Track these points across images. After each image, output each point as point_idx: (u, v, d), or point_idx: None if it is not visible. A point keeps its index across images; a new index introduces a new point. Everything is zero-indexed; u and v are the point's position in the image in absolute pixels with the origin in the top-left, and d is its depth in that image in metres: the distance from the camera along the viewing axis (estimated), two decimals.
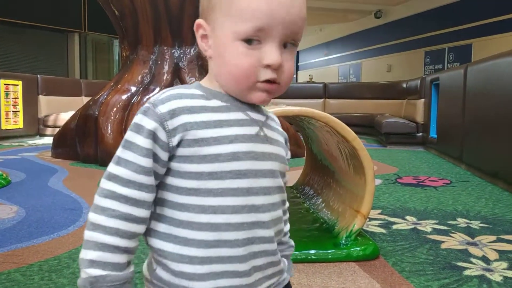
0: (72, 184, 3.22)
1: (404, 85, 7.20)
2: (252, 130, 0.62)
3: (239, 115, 0.62)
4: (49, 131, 6.78)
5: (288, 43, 0.60)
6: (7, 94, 6.11)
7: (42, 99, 6.82)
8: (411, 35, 11.03)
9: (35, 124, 6.78)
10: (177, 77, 4.24)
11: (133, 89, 4.18)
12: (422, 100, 5.99)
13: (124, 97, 4.13)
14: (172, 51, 4.27)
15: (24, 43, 9.38)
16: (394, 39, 11.78)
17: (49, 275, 1.60)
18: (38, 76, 6.88)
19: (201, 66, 4.26)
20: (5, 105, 6.08)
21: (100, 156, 4.06)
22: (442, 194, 3.02)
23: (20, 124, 6.41)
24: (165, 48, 4.27)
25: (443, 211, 2.56)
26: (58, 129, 6.38)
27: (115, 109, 4.08)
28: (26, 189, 3.05)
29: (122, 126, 4.06)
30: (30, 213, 2.44)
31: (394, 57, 11.82)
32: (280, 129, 0.69)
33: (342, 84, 9.80)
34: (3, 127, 6.08)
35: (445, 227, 2.22)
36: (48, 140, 6.36)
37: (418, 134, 5.97)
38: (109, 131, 4.03)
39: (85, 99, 7.58)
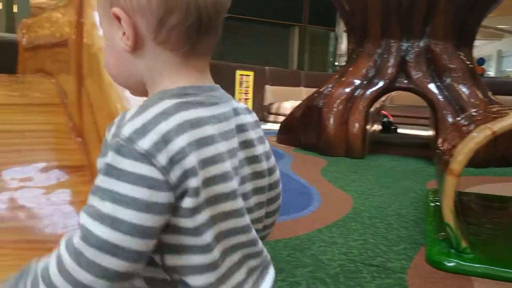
0: (298, 169, 3.47)
1: None
2: None
3: None
4: (271, 118, 7.45)
5: None
6: (241, 84, 6.95)
7: (268, 89, 7.52)
8: None
9: (261, 111, 7.53)
10: (402, 71, 4.14)
11: (357, 82, 4.25)
12: None
13: (347, 90, 4.24)
14: (400, 44, 4.17)
15: (254, 37, 10.43)
16: None
17: (294, 253, 1.78)
18: (266, 67, 7.60)
19: (430, 60, 4.06)
20: (239, 93, 6.93)
21: (321, 145, 4.27)
22: None
23: None
24: (392, 41, 4.20)
25: None
26: (280, 117, 6.95)
27: (338, 101, 4.22)
28: None
29: (343, 118, 4.19)
30: None
31: None
32: None
33: None
34: None
35: None
36: (271, 126, 6.99)
37: None
38: (331, 122, 4.20)
39: (303, 90, 8.05)
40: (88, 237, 0.46)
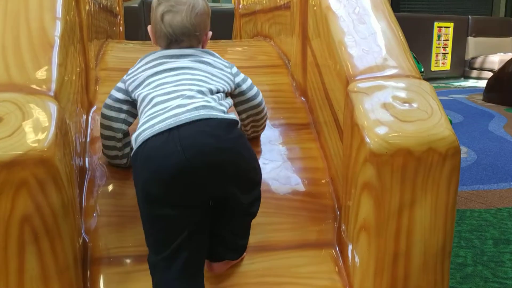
0: None
1: None
2: None
3: None
4: (474, 73, 6.70)
5: None
6: (439, 37, 6.37)
7: (471, 41, 6.73)
8: None
9: (461, 66, 6.82)
10: None
11: None
12: None
13: None
14: None
15: None
16: None
17: None
18: (469, 17, 6.78)
19: None
20: (436, 47, 6.38)
21: None
22: None
23: (447, 66, 6.61)
24: None
25: None
26: (485, 72, 6.22)
27: None
28: (468, 131, 3.14)
29: None
30: (481, 156, 2.49)
31: None
32: None
33: None
34: (432, 69, 6.44)
35: None
36: (473, 83, 6.32)
37: None
38: None
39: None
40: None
